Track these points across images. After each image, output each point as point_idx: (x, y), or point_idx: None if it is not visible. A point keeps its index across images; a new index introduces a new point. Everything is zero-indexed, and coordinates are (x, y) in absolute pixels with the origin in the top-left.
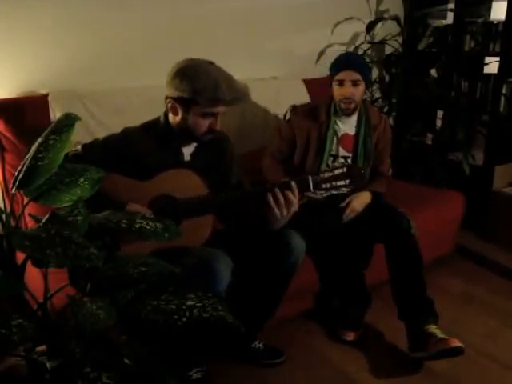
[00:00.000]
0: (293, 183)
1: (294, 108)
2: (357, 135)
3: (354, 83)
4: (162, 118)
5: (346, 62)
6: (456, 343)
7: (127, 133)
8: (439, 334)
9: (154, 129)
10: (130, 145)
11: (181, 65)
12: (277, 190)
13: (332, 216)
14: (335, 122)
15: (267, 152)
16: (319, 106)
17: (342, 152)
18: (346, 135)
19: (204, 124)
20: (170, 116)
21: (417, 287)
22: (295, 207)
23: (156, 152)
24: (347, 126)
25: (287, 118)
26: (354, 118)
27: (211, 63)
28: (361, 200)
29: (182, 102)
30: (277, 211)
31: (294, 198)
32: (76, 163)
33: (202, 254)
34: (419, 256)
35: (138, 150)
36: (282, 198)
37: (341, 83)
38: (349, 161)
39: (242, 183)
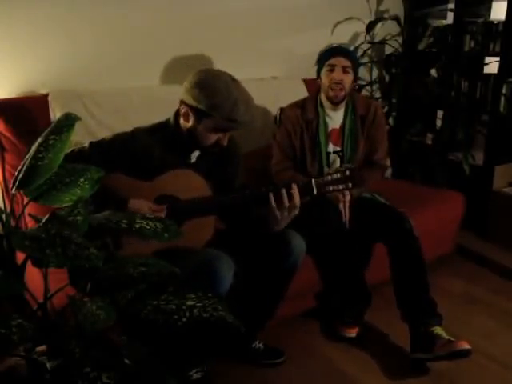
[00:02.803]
0: (294, 185)
1: (282, 111)
2: (343, 128)
3: (344, 70)
4: (171, 120)
5: (337, 48)
6: (465, 345)
7: (136, 133)
8: (445, 335)
9: (163, 130)
10: (138, 145)
11: (202, 75)
12: (283, 190)
13: (332, 216)
14: (324, 117)
15: (272, 167)
16: (306, 103)
17: (332, 148)
18: (334, 130)
19: (212, 137)
20: (181, 120)
21: (420, 288)
22: (296, 210)
23: (163, 153)
24: (335, 121)
25: (278, 121)
26: (341, 111)
27: (234, 79)
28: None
29: (196, 112)
30: (277, 212)
31: (296, 201)
32: (81, 159)
33: (203, 255)
34: (421, 256)
35: (145, 150)
36: (286, 200)
37: (331, 69)
38: (341, 155)
39: (245, 186)
